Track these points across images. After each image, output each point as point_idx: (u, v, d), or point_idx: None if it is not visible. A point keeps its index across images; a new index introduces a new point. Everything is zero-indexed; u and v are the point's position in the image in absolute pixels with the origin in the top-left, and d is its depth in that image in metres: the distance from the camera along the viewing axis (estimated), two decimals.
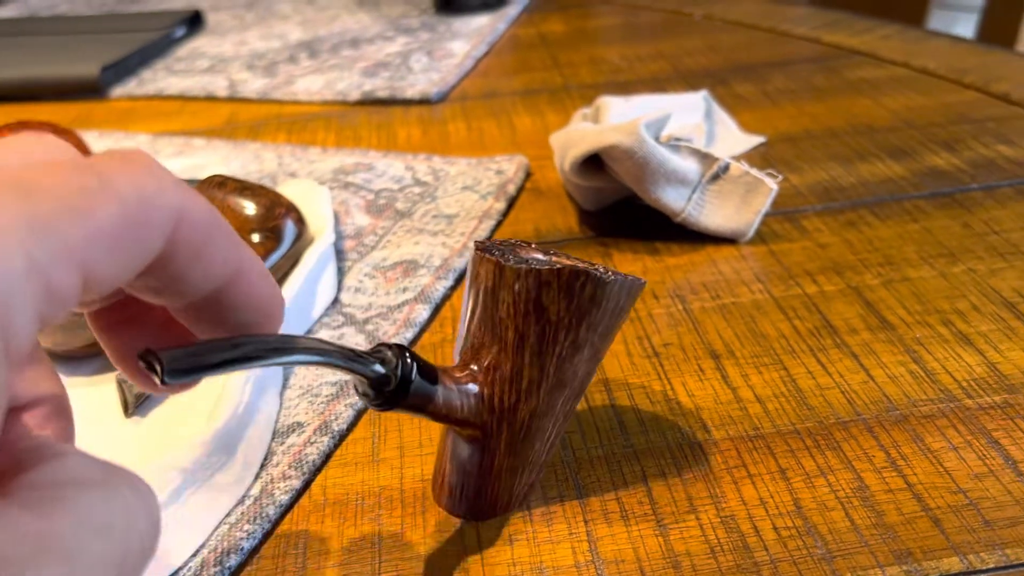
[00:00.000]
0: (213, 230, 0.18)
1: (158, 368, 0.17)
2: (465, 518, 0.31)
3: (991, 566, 0.27)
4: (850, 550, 0.28)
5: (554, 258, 0.29)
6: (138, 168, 0.17)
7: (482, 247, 0.29)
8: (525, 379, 0.28)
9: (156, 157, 0.60)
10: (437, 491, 0.31)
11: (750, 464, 0.32)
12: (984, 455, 0.31)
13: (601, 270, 0.28)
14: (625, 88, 0.68)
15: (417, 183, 0.54)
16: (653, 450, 0.33)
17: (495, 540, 0.30)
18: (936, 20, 2.36)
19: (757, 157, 0.55)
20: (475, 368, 0.28)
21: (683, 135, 0.45)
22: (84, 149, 0.50)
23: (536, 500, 0.31)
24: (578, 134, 0.46)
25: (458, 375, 0.28)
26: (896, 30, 0.75)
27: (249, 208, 0.43)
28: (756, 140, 0.57)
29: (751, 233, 0.45)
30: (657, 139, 0.44)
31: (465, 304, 0.30)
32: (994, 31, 1.04)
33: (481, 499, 0.30)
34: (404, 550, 0.30)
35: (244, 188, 0.44)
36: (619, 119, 0.50)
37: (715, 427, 0.33)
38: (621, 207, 0.49)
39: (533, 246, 0.30)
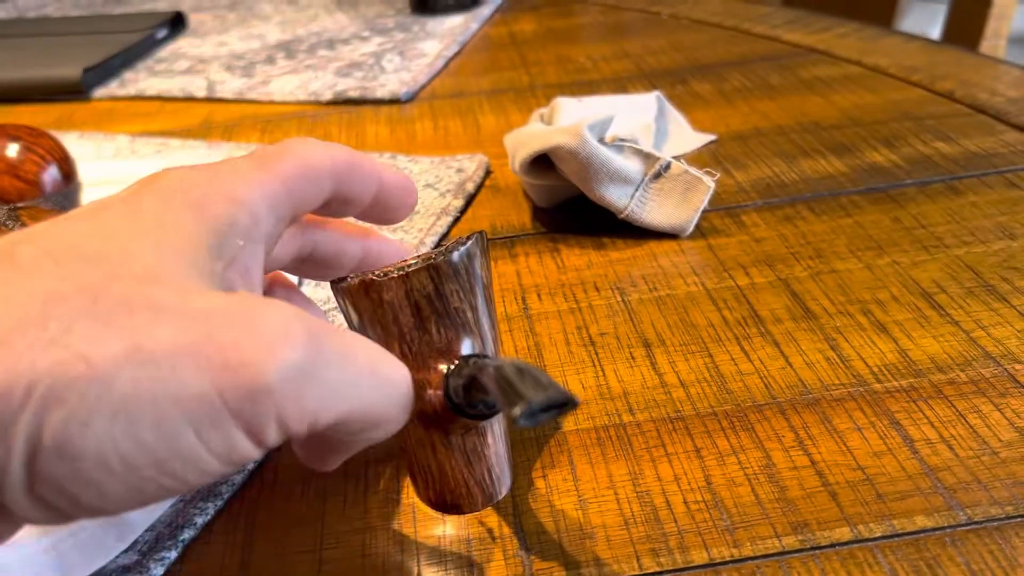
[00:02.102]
0: (354, 161, 0.28)
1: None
2: (490, 504, 0.30)
3: (878, 535, 0.30)
4: (752, 522, 0.31)
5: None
6: (298, 142, 0.27)
7: (360, 280, 0.29)
8: (491, 343, 0.30)
9: (135, 158, 0.62)
10: (461, 498, 0.29)
11: (668, 444, 0.34)
12: (885, 435, 0.34)
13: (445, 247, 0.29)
14: (589, 87, 0.71)
15: None
16: (581, 432, 0.35)
17: (430, 515, 0.32)
18: (915, 14, 2.38)
19: (707, 155, 0.57)
20: (451, 365, 0.28)
21: (629, 136, 0.48)
22: (60, 152, 0.52)
23: None
24: (527, 135, 0.49)
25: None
26: (853, 28, 0.78)
27: None
28: (707, 138, 0.59)
29: (691, 228, 0.47)
30: (602, 140, 0.47)
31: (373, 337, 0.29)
32: (960, 24, 1.06)
33: (501, 478, 0.30)
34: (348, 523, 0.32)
35: None
36: (570, 119, 0.52)
37: (639, 410, 0.36)
38: (573, 204, 0.51)
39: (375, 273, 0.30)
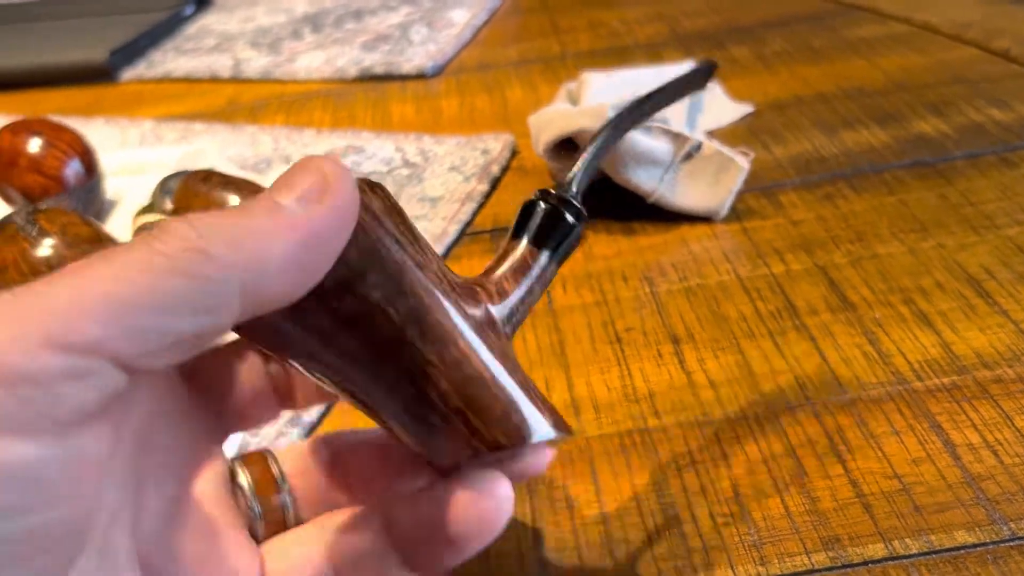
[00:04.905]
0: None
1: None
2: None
3: (914, 552, 0.28)
4: (780, 536, 0.29)
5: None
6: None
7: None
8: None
9: (159, 144, 0.62)
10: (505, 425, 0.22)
11: (695, 451, 0.33)
12: (924, 439, 0.32)
13: None
14: (621, 54, 0.68)
15: (406, 164, 0.55)
16: (604, 437, 0.34)
17: None
18: None
19: (743, 128, 0.55)
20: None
21: (657, 115, 0.46)
22: (82, 145, 0.52)
23: None
24: (550, 117, 0.47)
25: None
26: None
27: (233, 202, 0.45)
28: (744, 109, 0.56)
29: (724, 212, 0.45)
30: None
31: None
32: None
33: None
34: None
35: (228, 182, 0.45)
36: (598, 96, 0.50)
37: (666, 413, 0.35)
38: (602, 186, 0.50)
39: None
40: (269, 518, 0.25)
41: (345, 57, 0.73)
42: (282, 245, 0.18)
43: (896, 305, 0.38)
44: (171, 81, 0.76)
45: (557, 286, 0.43)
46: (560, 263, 0.26)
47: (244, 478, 0.24)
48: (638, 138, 0.44)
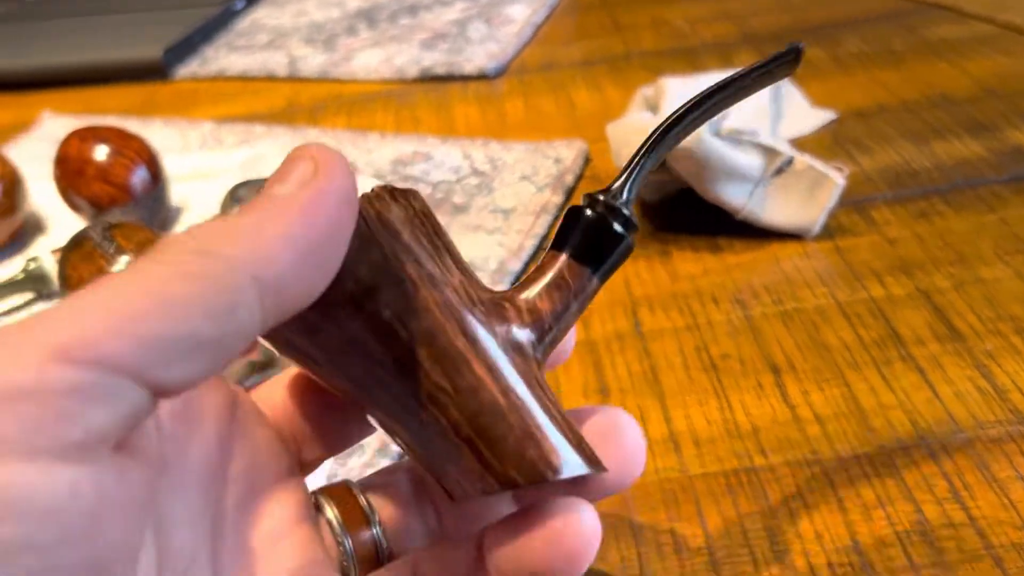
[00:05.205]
0: None
1: None
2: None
3: None
4: None
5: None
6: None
7: None
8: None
9: (220, 148, 0.61)
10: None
11: (807, 493, 0.31)
12: None
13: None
14: (689, 56, 0.66)
15: (475, 173, 0.54)
16: (708, 476, 0.33)
17: None
18: None
19: (828, 137, 0.53)
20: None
21: (745, 126, 0.44)
22: (148, 153, 0.51)
23: None
24: (634, 129, 0.45)
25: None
26: None
27: None
28: (826, 116, 0.54)
29: (817, 229, 0.44)
30: (717, 133, 0.43)
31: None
32: None
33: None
34: None
35: None
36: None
37: (772, 451, 0.33)
38: (683, 197, 0.48)
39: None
40: (360, 554, 0.23)
41: (404, 56, 0.72)
42: (282, 228, 0.17)
43: (1008, 335, 0.36)
44: (225, 79, 0.75)
45: (643, 307, 0.41)
46: (604, 279, 0.23)
47: (331, 512, 0.23)
48: (726, 151, 0.42)
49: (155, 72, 0.76)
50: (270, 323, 0.17)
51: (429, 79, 0.68)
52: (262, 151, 0.60)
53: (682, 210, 0.47)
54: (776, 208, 0.44)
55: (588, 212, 0.23)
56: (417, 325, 0.20)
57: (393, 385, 0.20)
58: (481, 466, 0.20)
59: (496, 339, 0.21)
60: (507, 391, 0.20)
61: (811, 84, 0.59)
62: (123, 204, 0.49)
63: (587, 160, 0.54)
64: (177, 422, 0.19)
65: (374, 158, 0.57)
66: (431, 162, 0.55)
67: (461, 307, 0.20)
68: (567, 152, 0.54)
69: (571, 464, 0.20)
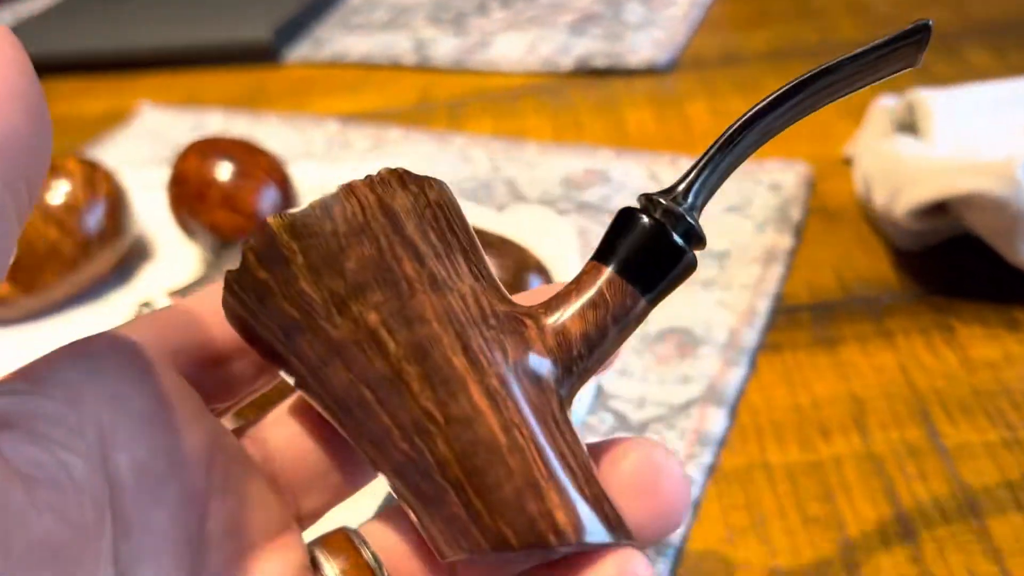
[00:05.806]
0: None
1: None
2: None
3: None
4: None
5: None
6: None
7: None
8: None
9: (350, 154, 0.52)
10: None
11: None
12: None
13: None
14: None
15: None
16: None
17: None
18: None
19: None
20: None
21: None
22: (280, 173, 0.42)
23: None
24: (912, 166, 0.35)
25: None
26: None
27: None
28: None
29: None
30: None
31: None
32: None
33: None
34: None
35: (487, 242, 0.35)
36: (951, 132, 0.38)
37: None
38: (954, 247, 0.37)
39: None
40: None
41: (551, 43, 0.62)
42: None
43: None
44: (343, 66, 0.66)
45: (937, 409, 0.31)
46: (655, 303, 0.18)
47: (331, 571, 0.18)
48: None
49: (263, 55, 0.68)
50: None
51: (587, 73, 0.58)
52: (400, 161, 0.50)
53: (955, 263, 0.37)
54: None
55: (644, 218, 0.18)
56: (408, 336, 0.17)
57: (375, 408, 0.17)
58: (468, 517, 0.16)
59: (506, 363, 0.17)
60: (510, 427, 0.17)
61: None
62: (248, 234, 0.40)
63: (811, 187, 0.43)
64: (142, 477, 0.16)
65: (537, 175, 0.47)
66: (609, 184, 0.46)
67: (465, 319, 0.17)
68: (785, 176, 0.43)
69: (583, 527, 0.16)
